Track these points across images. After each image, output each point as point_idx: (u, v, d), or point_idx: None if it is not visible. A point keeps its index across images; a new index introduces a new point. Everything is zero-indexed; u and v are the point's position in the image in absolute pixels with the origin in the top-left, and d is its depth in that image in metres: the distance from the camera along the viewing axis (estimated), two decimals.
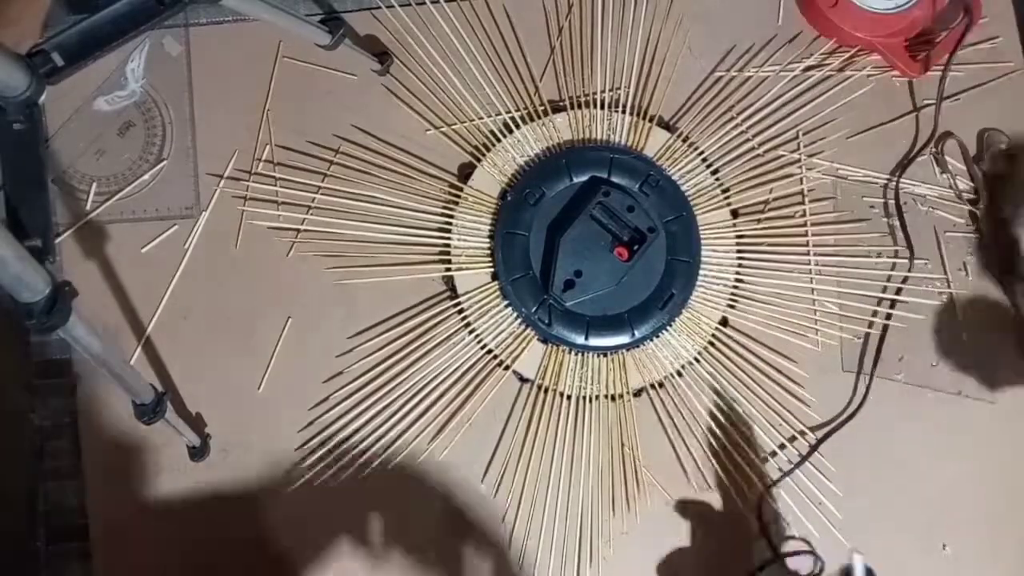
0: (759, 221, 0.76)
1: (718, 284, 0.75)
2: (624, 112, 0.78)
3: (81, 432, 0.74)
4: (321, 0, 0.79)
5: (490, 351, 0.74)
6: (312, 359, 0.74)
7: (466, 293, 0.75)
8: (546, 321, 0.73)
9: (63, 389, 0.74)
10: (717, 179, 0.77)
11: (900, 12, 0.77)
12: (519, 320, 0.74)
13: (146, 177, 0.77)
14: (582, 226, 0.71)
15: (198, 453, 0.72)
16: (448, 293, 0.76)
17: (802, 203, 0.77)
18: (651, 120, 0.78)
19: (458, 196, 0.76)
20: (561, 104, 0.78)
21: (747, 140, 0.77)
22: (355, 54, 0.76)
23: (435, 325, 0.74)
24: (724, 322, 0.75)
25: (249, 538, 0.71)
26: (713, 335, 0.75)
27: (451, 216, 0.76)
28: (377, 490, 0.72)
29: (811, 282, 0.75)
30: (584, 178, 0.75)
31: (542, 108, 0.78)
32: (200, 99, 0.78)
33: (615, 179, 0.74)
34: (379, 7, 0.79)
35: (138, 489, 0.73)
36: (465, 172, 0.77)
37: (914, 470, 0.73)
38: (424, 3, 0.78)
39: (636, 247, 0.70)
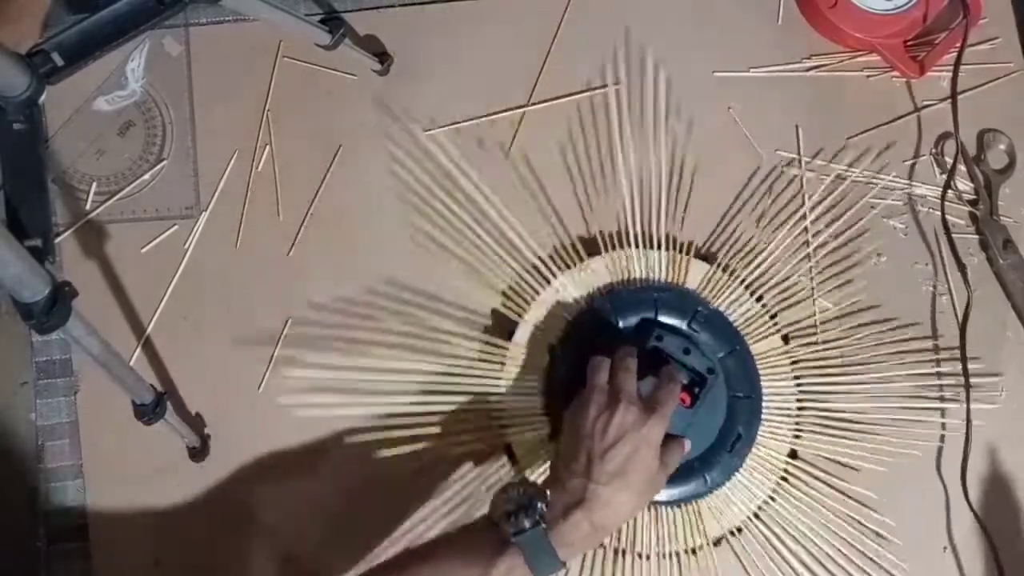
0: (810, 345, 0.73)
1: (780, 415, 0.72)
2: (659, 248, 0.74)
3: (81, 432, 0.74)
4: (321, 0, 0.79)
5: None
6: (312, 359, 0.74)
7: (525, 457, 0.70)
8: None
9: (63, 389, 0.74)
10: (763, 305, 0.74)
11: (899, 13, 0.77)
12: None
13: (146, 177, 0.77)
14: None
15: (198, 453, 0.72)
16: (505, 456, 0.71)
17: (803, 215, 0.77)
18: (688, 252, 0.74)
19: (504, 356, 0.72)
20: (594, 243, 0.75)
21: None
22: (355, 54, 0.76)
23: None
24: (793, 454, 0.72)
25: (249, 538, 0.72)
26: (784, 470, 0.71)
27: (498, 377, 0.72)
28: None
29: (864, 398, 0.73)
30: (632, 322, 0.71)
31: (576, 252, 0.74)
32: (200, 99, 0.78)
33: (663, 318, 0.71)
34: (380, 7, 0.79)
35: (138, 489, 0.73)
36: (505, 326, 0.74)
37: (914, 471, 0.73)
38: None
39: (697, 390, 0.66)
